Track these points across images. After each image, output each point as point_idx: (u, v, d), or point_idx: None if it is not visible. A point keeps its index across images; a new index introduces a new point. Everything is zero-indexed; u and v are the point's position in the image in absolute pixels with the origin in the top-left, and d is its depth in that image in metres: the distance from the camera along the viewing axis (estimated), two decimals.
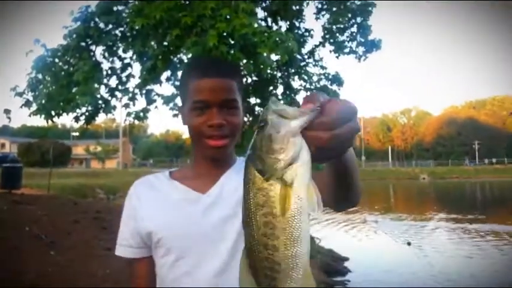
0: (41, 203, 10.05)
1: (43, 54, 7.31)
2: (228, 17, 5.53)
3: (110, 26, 7.11)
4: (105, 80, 7.46)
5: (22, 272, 5.32)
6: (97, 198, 18.84)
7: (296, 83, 8.55)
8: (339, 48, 8.64)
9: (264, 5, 8.11)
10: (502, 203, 25.37)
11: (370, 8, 8.16)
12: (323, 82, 8.63)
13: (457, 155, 79.63)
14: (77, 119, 7.44)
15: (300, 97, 8.19)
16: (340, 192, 0.95)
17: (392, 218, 17.39)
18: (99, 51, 7.32)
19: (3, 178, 12.30)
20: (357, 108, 0.69)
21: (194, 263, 1.10)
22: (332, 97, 0.69)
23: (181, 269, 1.11)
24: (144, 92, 7.58)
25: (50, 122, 7.36)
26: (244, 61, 5.90)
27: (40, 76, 7.44)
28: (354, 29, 8.47)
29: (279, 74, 8.41)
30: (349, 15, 8.24)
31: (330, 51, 8.80)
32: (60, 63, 7.31)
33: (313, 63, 8.89)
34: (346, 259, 9.52)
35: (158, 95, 7.59)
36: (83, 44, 7.11)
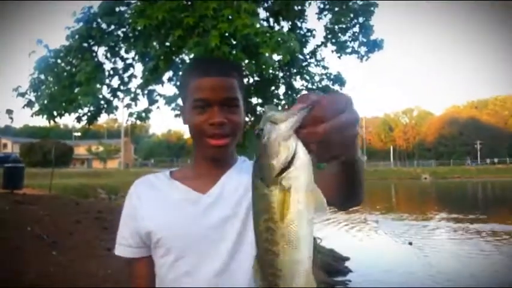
0: (43, 203, 10.07)
1: (45, 54, 7.32)
2: (230, 17, 5.52)
3: (112, 27, 7.11)
4: (107, 81, 7.45)
5: (24, 272, 5.33)
6: (99, 198, 18.86)
7: (298, 83, 8.54)
8: (341, 48, 8.62)
9: (266, 5, 8.10)
10: (504, 203, 25.33)
11: (372, 8, 8.14)
12: (325, 82, 8.61)
13: (459, 155, 79.51)
14: (79, 119, 7.45)
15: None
16: (347, 191, 0.95)
17: (393, 218, 17.38)
18: (101, 51, 7.32)
19: (5, 178, 12.32)
20: (351, 98, 0.67)
21: (194, 263, 1.10)
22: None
23: (181, 269, 1.10)
24: (146, 92, 7.58)
25: (52, 122, 7.36)
26: (246, 61, 5.89)
27: (42, 76, 7.45)
28: (356, 29, 8.45)
29: (280, 74, 8.39)
30: (351, 15, 8.22)
31: (332, 51, 8.78)
32: (63, 64, 7.31)
33: (315, 63, 8.87)
34: (347, 259, 9.52)
35: (160, 95, 7.59)
36: (85, 44, 7.10)
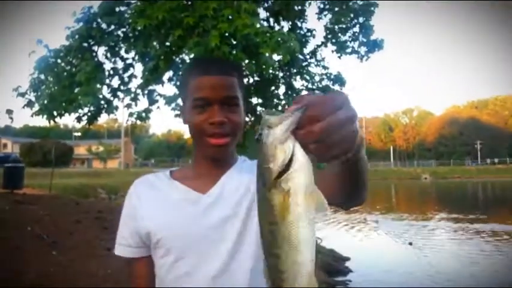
0: (43, 203, 10.07)
1: (45, 54, 7.32)
2: (230, 17, 5.52)
3: (112, 27, 7.11)
4: (107, 81, 7.45)
5: (24, 272, 5.33)
6: (99, 198, 18.86)
7: (298, 83, 8.54)
8: (341, 48, 8.62)
9: (266, 5, 8.10)
10: (504, 203, 25.33)
11: (372, 8, 8.14)
12: (325, 82, 8.61)
13: (459, 155, 79.53)
14: (79, 119, 7.44)
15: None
16: (350, 191, 0.95)
17: (393, 218, 17.38)
18: (101, 51, 7.32)
19: (5, 178, 12.32)
20: (347, 95, 0.66)
21: (194, 264, 1.09)
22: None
23: (181, 270, 1.10)
24: (146, 92, 7.58)
25: (52, 122, 7.36)
26: (246, 61, 5.89)
27: (42, 76, 7.45)
28: (356, 29, 8.44)
29: (281, 74, 8.39)
30: (352, 15, 8.21)
31: (332, 51, 8.77)
32: (63, 64, 7.31)
33: (315, 63, 8.86)
34: (348, 259, 9.52)
35: (160, 95, 7.59)
36: (85, 44, 7.10)
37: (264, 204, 0.65)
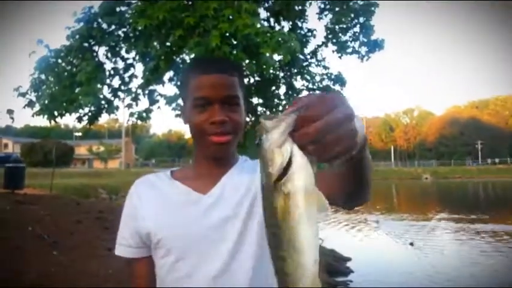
0: (44, 203, 10.07)
1: (46, 54, 7.32)
2: (230, 17, 5.53)
3: (113, 27, 7.12)
4: (108, 81, 7.46)
5: (25, 272, 5.34)
6: (99, 198, 18.88)
7: (298, 83, 8.55)
8: (341, 48, 8.63)
9: (266, 5, 8.10)
10: (504, 204, 25.32)
11: (372, 8, 8.14)
12: (325, 82, 8.62)
13: (459, 155, 79.50)
14: (79, 119, 7.45)
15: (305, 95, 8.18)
16: (353, 190, 0.94)
17: (394, 218, 17.38)
18: (102, 51, 7.33)
19: (6, 178, 12.32)
20: (343, 95, 0.65)
21: (194, 264, 1.09)
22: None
23: (182, 270, 1.10)
24: (146, 92, 7.59)
25: (52, 122, 7.37)
26: (247, 61, 5.90)
27: (43, 77, 7.46)
28: (357, 29, 8.45)
29: (281, 74, 8.40)
30: (352, 15, 8.22)
31: (333, 51, 8.78)
32: (63, 64, 7.32)
33: (316, 63, 8.88)
34: (349, 259, 9.52)
35: (161, 95, 7.59)
36: (86, 44, 7.11)
37: (267, 207, 0.65)
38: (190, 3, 6.03)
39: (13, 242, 6.30)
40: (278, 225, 0.64)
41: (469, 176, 59.21)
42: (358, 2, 8.21)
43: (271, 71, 6.81)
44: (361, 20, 8.28)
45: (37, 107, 7.31)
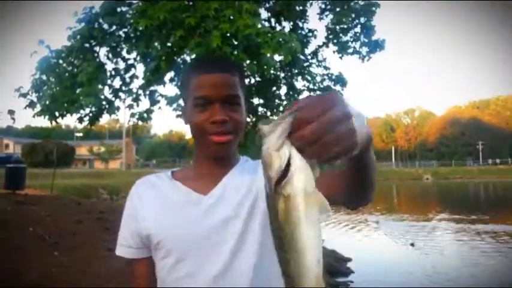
0: (45, 203, 10.09)
1: (47, 55, 7.33)
2: (231, 17, 5.52)
3: (114, 27, 7.12)
4: (109, 81, 7.46)
5: (25, 273, 5.34)
6: (100, 198, 18.92)
7: (299, 83, 8.54)
8: (342, 49, 8.62)
9: (267, 5, 8.10)
10: (505, 204, 25.30)
11: (373, 8, 8.13)
12: (326, 82, 8.61)
13: (460, 155, 79.49)
14: (80, 119, 7.45)
15: (303, 97, 8.18)
16: (355, 190, 0.94)
17: (394, 219, 17.38)
18: (103, 52, 7.33)
19: (7, 179, 12.34)
20: (338, 95, 0.65)
21: (195, 265, 1.09)
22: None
23: (182, 271, 1.09)
24: (147, 92, 7.59)
25: (53, 122, 7.36)
26: (248, 62, 5.89)
27: (44, 77, 7.46)
28: (358, 29, 8.44)
29: (282, 75, 8.40)
30: (353, 16, 8.21)
31: (334, 52, 8.77)
32: (64, 65, 7.32)
33: (317, 63, 8.87)
34: (349, 260, 9.52)
35: (162, 95, 7.59)
36: (87, 45, 7.11)
37: (271, 210, 0.66)
38: (191, 3, 6.03)
39: (14, 243, 6.30)
40: (281, 228, 0.64)
41: (469, 177, 59.19)
42: (359, 2, 8.20)
43: (272, 72, 6.81)
44: (362, 20, 8.27)
45: (38, 108, 7.31)
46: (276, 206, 0.64)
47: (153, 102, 7.60)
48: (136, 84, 7.69)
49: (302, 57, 8.27)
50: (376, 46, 8.47)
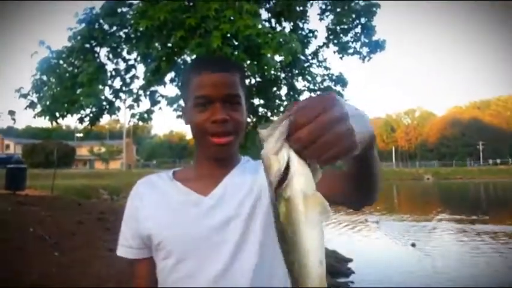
0: (45, 204, 10.08)
1: (48, 56, 7.34)
2: (231, 18, 5.53)
3: (114, 28, 7.13)
4: (109, 82, 7.47)
5: (26, 273, 5.34)
6: (101, 199, 18.91)
7: (300, 83, 8.55)
8: (343, 49, 8.63)
9: (267, 6, 8.11)
10: (505, 204, 25.27)
11: (374, 9, 8.14)
12: (327, 83, 8.62)
13: (461, 156, 79.42)
14: (81, 120, 7.46)
15: (303, 98, 8.18)
16: (361, 191, 0.94)
17: (395, 219, 17.36)
18: (103, 52, 7.35)
19: (8, 179, 12.35)
20: (335, 96, 0.64)
21: (195, 266, 1.08)
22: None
23: (182, 272, 1.09)
24: (148, 93, 7.60)
25: (54, 123, 7.38)
26: (248, 62, 5.90)
27: (45, 78, 7.47)
28: (358, 29, 8.46)
29: (282, 75, 8.40)
30: (353, 16, 8.22)
31: (334, 52, 8.79)
32: (65, 65, 7.33)
33: (317, 64, 8.88)
34: (350, 260, 9.51)
35: (162, 96, 7.61)
36: (88, 45, 7.12)
37: (274, 213, 0.66)
38: (191, 4, 6.04)
39: (14, 243, 6.29)
40: (283, 230, 0.64)
41: (470, 177, 59.12)
42: (360, 2, 8.21)
43: (272, 72, 6.82)
44: (363, 20, 8.28)
45: (39, 108, 7.32)
46: (278, 208, 0.64)
47: (154, 102, 7.61)
48: (136, 85, 7.71)
49: (302, 57, 8.28)
50: (376, 46, 8.48)
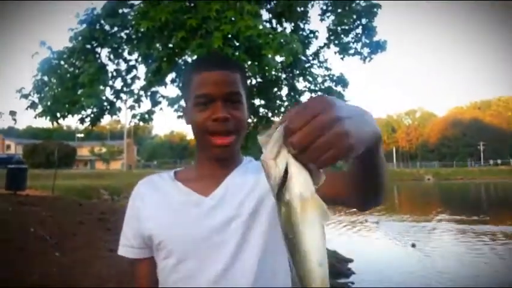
0: (46, 204, 10.10)
1: (49, 56, 7.34)
2: (232, 18, 5.53)
3: (116, 29, 7.13)
4: (110, 82, 7.47)
5: (27, 273, 5.34)
6: (101, 199, 18.91)
7: (301, 84, 8.55)
8: (343, 50, 8.63)
9: (268, 6, 8.10)
10: (506, 205, 25.21)
11: (375, 9, 8.13)
12: (328, 83, 8.61)
13: (462, 156, 79.39)
14: (82, 120, 7.46)
15: (304, 98, 8.18)
16: (366, 192, 0.93)
17: (395, 219, 17.35)
18: (104, 53, 7.34)
19: (9, 179, 12.35)
20: (327, 97, 0.64)
21: (196, 266, 1.09)
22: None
23: (183, 272, 1.09)
24: (149, 93, 7.60)
25: (55, 123, 7.38)
26: (249, 63, 5.90)
27: (46, 78, 7.47)
28: (359, 30, 8.45)
29: (283, 76, 8.40)
30: (354, 17, 8.21)
31: (335, 53, 8.77)
32: (66, 66, 7.33)
33: (318, 64, 8.87)
34: (351, 260, 9.51)
35: (163, 96, 7.61)
36: (89, 46, 7.12)
37: (278, 216, 0.67)
38: (192, 5, 6.04)
39: (15, 243, 6.30)
40: (285, 232, 0.65)
41: (471, 177, 59.10)
42: (361, 3, 8.20)
43: (273, 73, 6.81)
44: (364, 21, 8.27)
45: (39, 109, 7.32)
46: (280, 214, 0.66)
47: (155, 103, 7.61)
48: (137, 85, 7.71)
49: (303, 58, 8.27)
50: (377, 47, 8.47)
